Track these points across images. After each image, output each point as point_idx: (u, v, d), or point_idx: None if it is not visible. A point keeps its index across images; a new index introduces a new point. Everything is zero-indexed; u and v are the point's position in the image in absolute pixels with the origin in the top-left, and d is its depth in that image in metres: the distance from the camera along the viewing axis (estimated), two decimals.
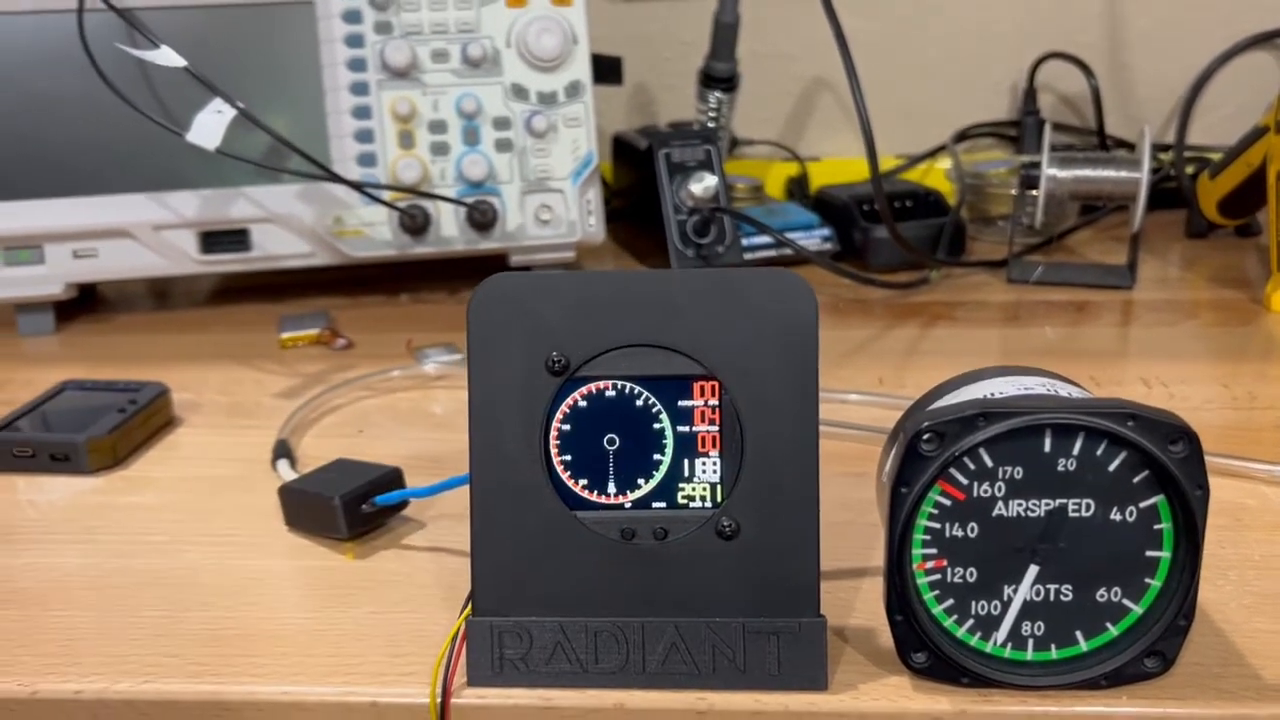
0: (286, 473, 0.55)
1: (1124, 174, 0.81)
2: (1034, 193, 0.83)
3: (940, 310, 0.80)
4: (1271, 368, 0.68)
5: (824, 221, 0.90)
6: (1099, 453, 0.37)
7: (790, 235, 0.87)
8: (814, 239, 0.89)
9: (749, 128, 1.07)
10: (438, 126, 0.79)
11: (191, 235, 0.77)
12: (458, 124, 0.79)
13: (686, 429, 0.40)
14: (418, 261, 0.81)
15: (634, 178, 0.91)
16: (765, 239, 0.86)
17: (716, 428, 0.40)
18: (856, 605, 0.44)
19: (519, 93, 0.79)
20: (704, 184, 0.84)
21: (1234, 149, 0.86)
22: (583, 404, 0.40)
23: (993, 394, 0.40)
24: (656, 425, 0.40)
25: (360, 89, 0.78)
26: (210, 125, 0.67)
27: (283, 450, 0.57)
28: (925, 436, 0.37)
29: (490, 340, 0.40)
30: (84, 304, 0.83)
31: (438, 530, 0.51)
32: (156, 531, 0.51)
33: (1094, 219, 0.97)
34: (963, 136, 1.07)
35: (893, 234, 0.82)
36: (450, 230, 0.79)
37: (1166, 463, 0.36)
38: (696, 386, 0.39)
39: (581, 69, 0.80)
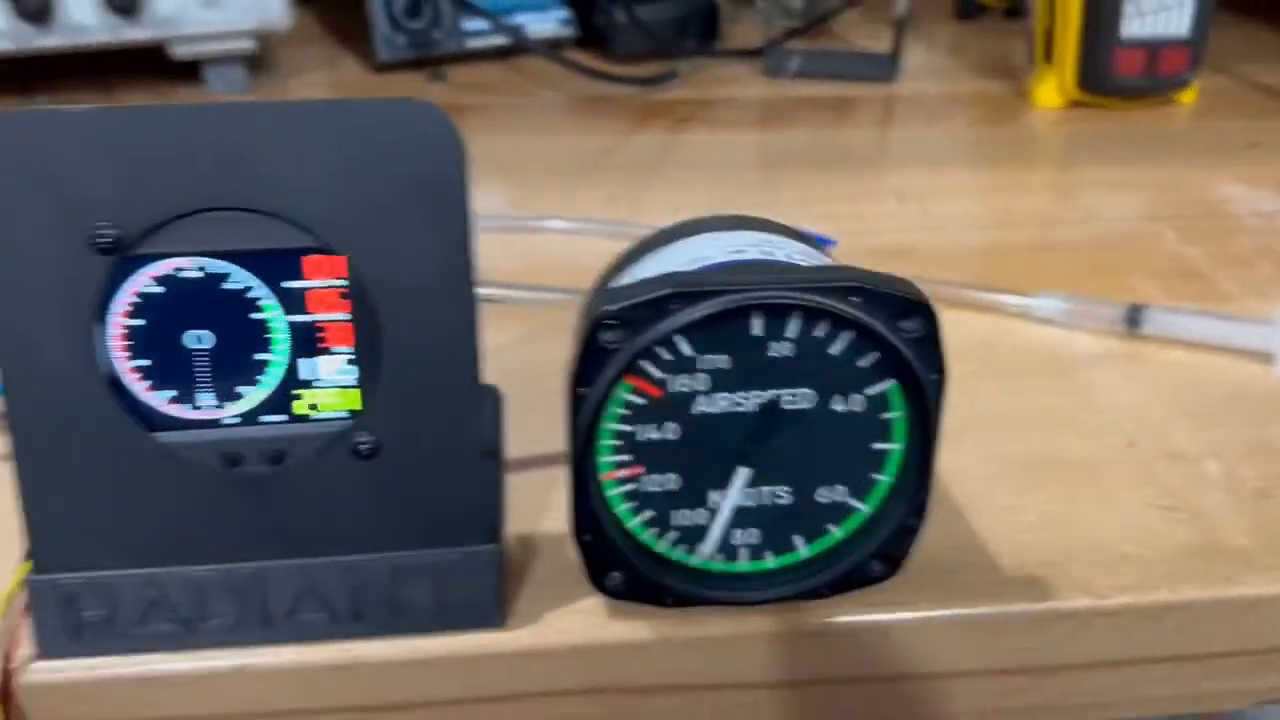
0: None
1: None
2: None
3: (691, 110, 0.70)
4: (1031, 175, 0.63)
5: None
6: (818, 334, 0.30)
7: (521, 19, 0.75)
8: (549, 22, 0.77)
9: None
10: None
11: None
12: None
13: (301, 318, 0.30)
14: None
15: None
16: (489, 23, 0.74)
17: (345, 316, 0.30)
18: (547, 520, 0.36)
19: None
20: None
21: None
22: (156, 290, 0.29)
23: (695, 262, 0.32)
24: (257, 315, 0.30)
25: None
26: None
27: None
28: (607, 325, 0.29)
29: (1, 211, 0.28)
30: None
31: None
32: None
33: None
34: None
35: (632, 19, 0.71)
36: (82, 15, 0.63)
37: (897, 345, 0.30)
38: (308, 263, 0.29)
39: None
